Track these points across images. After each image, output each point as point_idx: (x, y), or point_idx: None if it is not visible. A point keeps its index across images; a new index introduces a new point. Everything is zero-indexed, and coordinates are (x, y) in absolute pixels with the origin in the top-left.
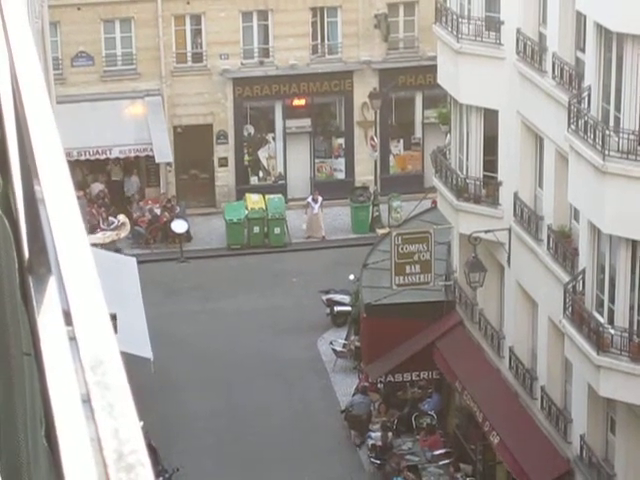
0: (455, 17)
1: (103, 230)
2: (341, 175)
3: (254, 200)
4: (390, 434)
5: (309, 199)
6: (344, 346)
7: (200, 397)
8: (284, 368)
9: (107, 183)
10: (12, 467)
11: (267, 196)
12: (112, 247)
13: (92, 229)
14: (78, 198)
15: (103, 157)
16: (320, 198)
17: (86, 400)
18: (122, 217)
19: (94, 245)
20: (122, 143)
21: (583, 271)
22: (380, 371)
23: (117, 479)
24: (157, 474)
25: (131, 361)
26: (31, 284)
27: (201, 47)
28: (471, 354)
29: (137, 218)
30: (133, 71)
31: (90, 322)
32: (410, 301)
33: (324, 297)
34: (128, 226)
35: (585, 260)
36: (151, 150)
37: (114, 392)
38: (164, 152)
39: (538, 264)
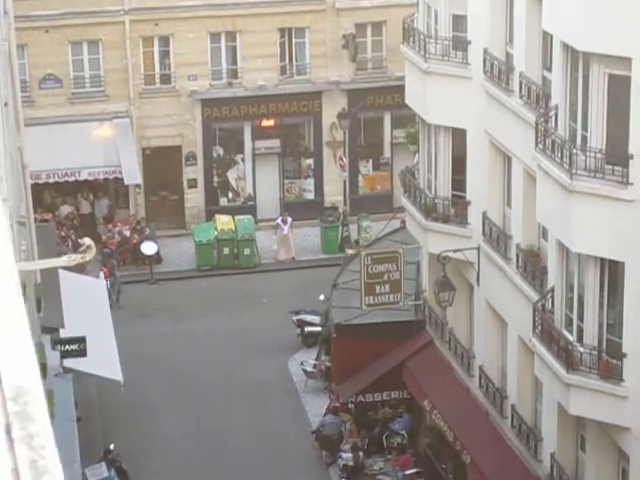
0: (422, 37)
1: (70, 253)
2: (310, 195)
3: (224, 221)
4: (361, 454)
5: (279, 220)
6: (315, 366)
7: (171, 419)
8: (255, 389)
9: (77, 209)
10: None
11: (237, 217)
12: (81, 270)
13: (61, 252)
14: (47, 220)
15: (72, 179)
16: (290, 219)
17: (8, 431)
18: (87, 240)
19: (62, 268)
20: (91, 165)
21: (552, 289)
22: (351, 391)
23: None
24: None
25: (101, 384)
26: None
27: (169, 68)
28: (441, 373)
29: (106, 240)
30: (101, 93)
31: (13, 352)
32: (380, 321)
33: (294, 317)
34: (94, 249)
35: (554, 278)
36: (120, 172)
37: (34, 423)
38: (133, 174)
39: (507, 283)
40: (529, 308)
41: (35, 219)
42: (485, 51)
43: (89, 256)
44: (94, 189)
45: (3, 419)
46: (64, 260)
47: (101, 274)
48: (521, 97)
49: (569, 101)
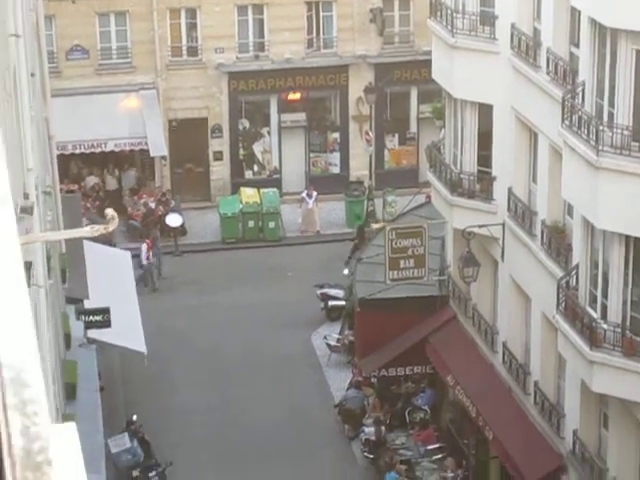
0: (450, 12)
1: (92, 224)
2: (336, 169)
3: (249, 194)
4: (383, 428)
5: (304, 194)
6: (338, 341)
7: (194, 391)
8: (278, 362)
9: (103, 182)
10: None
11: (262, 190)
12: (107, 241)
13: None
14: (73, 192)
15: (98, 150)
16: (315, 193)
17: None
18: (111, 211)
19: (87, 239)
20: (117, 137)
21: (577, 266)
22: (374, 365)
23: (23, 477)
24: (150, 468)
25: (125, 355)
26: None
27: (196, 41)
28: (464, 349)
29: (132, 212)
30: (128, 64)
31: (10, 319)
32: (404, 296)
33: (318, 291)
34: (117, 220)
35: (579, 255)
36: (146, 144)
37: (29, 389)
38: (159, 146)
39: (532, 259)
40: (553, 285)
41: (61, 190)
42: (513, 26)
43: (112, 227)
44: (120, 162)
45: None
46: (87, 230)
47: (144, 245)
48: (548, 73)
49: (596, 77)
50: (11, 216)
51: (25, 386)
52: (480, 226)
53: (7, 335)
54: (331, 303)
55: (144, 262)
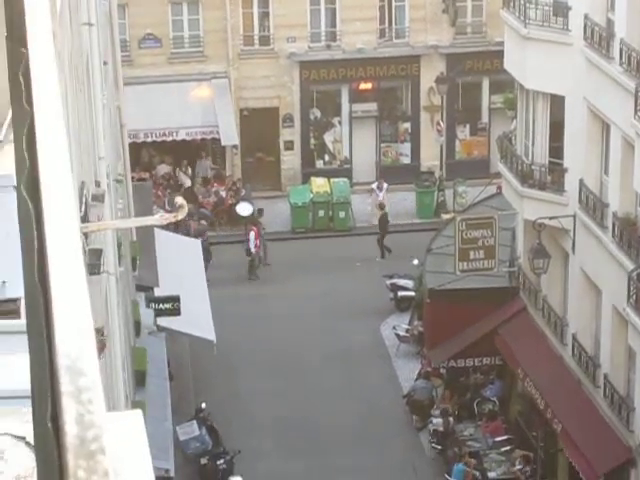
0: (523, 2)
1: (164, 211)
2: (407, 160)
3: (319, 184)
4: (451, 419)
5: (374, 186)
6: (407, 331)
7: (262, 379)
8: (347, 352)
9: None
10: (43, 449)
11: (332, 180)
12: (184, 229)
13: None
14: (144, 180)
15: (170, 139)
16: (385, 185)
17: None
18: (180, 199)
19: (157, 226)
20: (188, 125)
21: None
22: (443, 356)
23: (76, 465)
24: (218, 456)
25: (194, 343)
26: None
27: (268, 30)
28: (534, 341)
29: (203, 200)
30: (200, 53)
31: (67, 306)
32: (473, 287)
33: (388, 282)
34: (186, 208)
35: None
36: (217, 133)
37: (84, 377)
38: (230, 135)
39: (603, 251)
40: (624, 277)
41: (132, 178)
42: (586, 17)
43: (181, 215)
44: (191, 151)
45: (55, 374)
46: (156, 219)
47: (252, 233)
48: (621, 64)
49: None
50: (72, 203)
51: (81, 374)
52: (551, 218)
53: (63, 323)
54: (400, 293)
55: (252, 250)
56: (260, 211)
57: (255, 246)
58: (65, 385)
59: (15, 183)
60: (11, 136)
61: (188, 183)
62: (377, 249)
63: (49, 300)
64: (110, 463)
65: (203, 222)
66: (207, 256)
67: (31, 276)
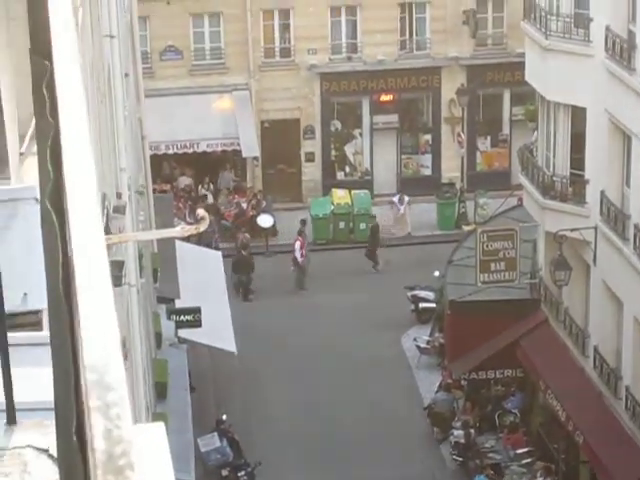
0: (544, 14)
1: (185, 223)
2: (427, 171)
3: (340, 195)
4: (472, 431)
5: (395, 199)
6: (428, 343)
7: (283, 391)
8: (367, 363)
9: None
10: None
11: (353, 191)
12: (203, 241)
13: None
14: (165, 191)
15: (191, 151)
16: (406, 198)
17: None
18: (201, 211)
19: (178, 239)
20: (209, 137)
21: None
22: (464, 368)
23: None
24: (239, 467)
25: (215, 354)
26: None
27: (289, 42)
28: (555, 353)
29: (224, 212)
30: (221, 65)
31: (97, 321)
32: (495, 298)
33: (409, 293)
34: (208, 220)
35: None
36: (238, 144)
37: (112, 392)
38: (251, 146)
39: (624, 263)
40: None
41: (153, 190)
42: (607, 28)
43: (203, 227)
44: (213, 164)
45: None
46: (178, 231)
47: (297, 243)
48: None
49: None
50: (97, 216)
51: (108, 389)
52: (572, 230)
53: (91, 337)
54: (421, 305)
55: (299, 259)
56: (303, 222)
57: (301, 255)
58: (93, 400)
59: (37, 195)
60: (33, 148)
61: (210, 199)
62: (376, 261)
63: (73, 313)
64: (138, 478)
65: (247, 235)
66: (250, 269)
67: (55, 289)
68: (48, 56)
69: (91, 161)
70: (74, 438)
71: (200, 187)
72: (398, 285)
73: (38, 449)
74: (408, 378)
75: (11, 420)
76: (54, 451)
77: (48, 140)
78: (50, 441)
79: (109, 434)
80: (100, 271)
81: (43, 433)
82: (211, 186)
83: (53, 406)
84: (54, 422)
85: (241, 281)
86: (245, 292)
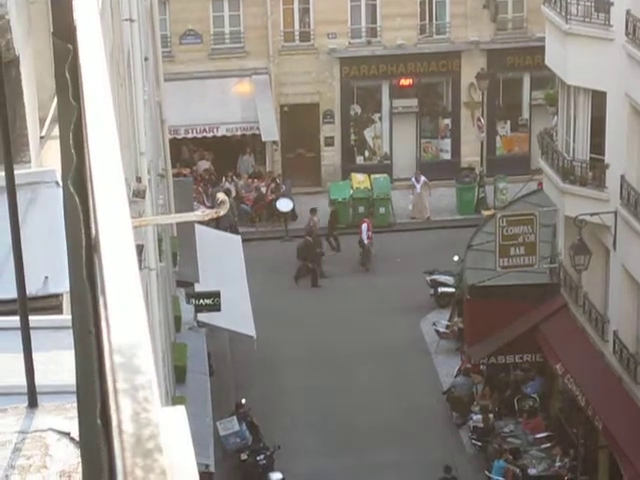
0: None
1: (205, 207)
2: (447, 156)
3: (359, 180)
4: (491, 416)
5: (412, 179)
6: (447, 327)
7: (302, 375)
8: (387, 348)
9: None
10: (90, 446)
11: (372, 176)
12: (226, 224)
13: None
14: (185, 175)
15: (210, 135)
16: (423, 177)
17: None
18: (221, 195)
19: (199, 223)
20: (229, 121)
21: None
22: (483, 353)
23: (133, 464)
24: (258, 451)
25: (234, 338)
26: (96, 263)
27: (309, 26)
28: (575, 337)
29: (243, 196)
30: (241, 49)
31: (124, 304)
32: (514, 283)
33: (428, 278)
34: (228, 204)
35: None
36: (258, 129)
37: (140, 375)
38: (271, 131)
39: None
40: None
41: (173, 174)
42: (628, 13)
43: (223, 211)
44: (233, 148)
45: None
46: (198, 215)
47: (364, 225)
48: None
49: None
50: (124, 199)
51: (136, 372)
52: (592, 214)
53: (118, 320)
54: (441, 289)
55: (365, 241)
56: (371, 208)
57: (367, 237)
58: (121, 383)
59: (58, 179)
60: (53, 132)
61: (233, 192)
62: (333, 245)
63: (97, 296)
64: (167, 461)
65: (315, 219)
66: (316, 254)
67: (79, 272)
68: (71, 39)
69: (117, 145)
70: (98, 421)
71: (224, 180)
72: (417, 269)
73: (60, 432)
74: (427, 362)
75: (33, 403)
76: (76, 434)
77: (71, 124)
78: (72, 424)
79: (137, 417)
80: (128, 254)
81: (65, 416)
82: (234, 179)
83: (74, 389)
84: (76, 405)
85: (307, 267)
86: (314, 277)
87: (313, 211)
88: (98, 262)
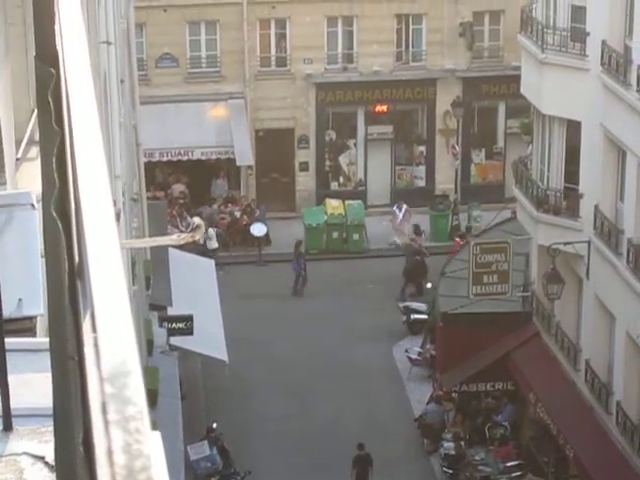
0: (540, 27)
1: (179, 232)
2: (421, 183)
3: (334, 205)
4: (463, 444)
5: (395, 208)
6: (419, 354)
7: (273, 401)
8: (359, 374)
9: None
10: (67, 472)
11: (347, 202)
12: (198, 250)
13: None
14: (159, 199)
15: (185, 158)
16: (405, 206)
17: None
18: (197, 219)
19: (173, 247)
20: (204, 145)
21: None
22: (455, 380)
23: None
24: (229, 476)
25: (207, 362)
26: (79, 289)
27: (285, 51)
28: (547, 366)
29: (217, 220)
30: (217, 74)
31: (112, 332)
32: (487, 311)
33: (401, 304)
34: (203, 228)
35: None
36: (232, 153)
37: (131, 406)
38: (245, 155)
39: (617, 278)
40: (639, 304)
41: (147, 197)
42: (604, 43)
43: (198, 235)
44: (207, 171)
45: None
46: (173, 239)
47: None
48: (638, 91)
49: None
50: (113, 225)
51: (127, 402)
52: (565, 243)
53: (109, 350)
54: (413, 316)
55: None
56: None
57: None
58: (112, 414)
59: (33, 201)
60: (29, 154)
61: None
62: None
63: (79, 321)
64: None
65: (419, 239)
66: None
67: (60, 298)
68: (54, 64)
69: (105, 169)
70: (80, 448)
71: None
72: (390, 296)
73: (34, 456)
74: (399, 389)
75: (7, 426)
76: (50, 459)
77: (53, 148)
78: (46, 448)
79: (129, 448)
80: (118, 281)
81: (39, 440)
82: (214, 206)
83: (49, 412)
84: (51, 429)
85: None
86: (418, 289)
87: (418, 230)
88: (82, 288)
